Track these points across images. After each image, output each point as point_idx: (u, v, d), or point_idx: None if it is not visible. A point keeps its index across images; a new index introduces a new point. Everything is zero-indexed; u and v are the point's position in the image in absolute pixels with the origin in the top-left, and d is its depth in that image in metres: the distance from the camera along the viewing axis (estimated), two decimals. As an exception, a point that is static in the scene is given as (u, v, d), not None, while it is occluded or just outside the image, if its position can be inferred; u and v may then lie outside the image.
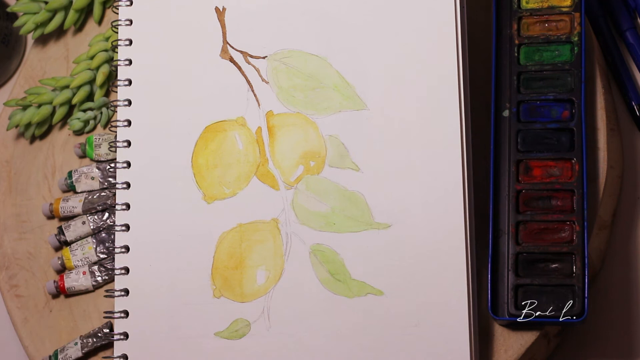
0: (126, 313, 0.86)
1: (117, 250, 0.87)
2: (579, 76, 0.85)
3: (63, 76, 0.96)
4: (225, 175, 0.86)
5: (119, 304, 0.86)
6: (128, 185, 0.88)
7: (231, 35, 0.88)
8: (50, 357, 0.88)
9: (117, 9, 0.91)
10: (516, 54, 0.86)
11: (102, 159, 0.92)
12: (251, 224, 0.85)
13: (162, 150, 0.88)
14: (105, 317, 0.87)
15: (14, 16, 1.01)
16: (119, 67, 0.90)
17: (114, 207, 0.88)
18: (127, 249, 0.87)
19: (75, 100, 0.94)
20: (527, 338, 0.83)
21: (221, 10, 0.88)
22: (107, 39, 0.94)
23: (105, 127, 0.94)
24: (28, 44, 1.04)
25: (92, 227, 0.91)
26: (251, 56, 0.87)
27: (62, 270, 0.91)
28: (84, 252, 0.90)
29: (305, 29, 0.86)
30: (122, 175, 0.88)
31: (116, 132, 0.89)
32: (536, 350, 0.84)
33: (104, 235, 0.90)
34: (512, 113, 0.85)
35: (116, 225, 0.87)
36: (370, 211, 0.83)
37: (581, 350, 0.87)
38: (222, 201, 0.86)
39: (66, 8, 0.97)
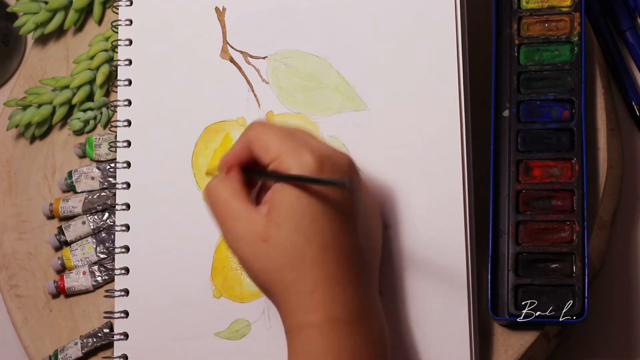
0: (126, 313, 0.86)
1: (117, 250, 0.87)
2: (579, 76, 0.85)
3: (63, 76, 0.96)
4: (225, 176, 0.86)
5: (119, 304, 0.86)
6: (128, 185, 0.88)
7: (231, 35, 0.88)
8: (50, 357, 0.88)
9: (117, 9, 0.91)
10: (516, 54, 0.86)
11: (102, 159, 0.92)
12: (251, 224, 0.85)
13: (162, 150, 0.88)
14: (105, 317, 0.87)
15: (14, 16, 1.01)
16: (119, 67, 0.90)
17: (114, 207, 0.88)
18: (127, 249, 0.87)
19: (75, 100, 0.94)
20: (527, 338, 0.83)
21: (221, 10, 0.88)
22: (107, 39, 0.94)
23: (105, 127, 0.94)
24: (28, 44, 1.04)
25: (92, 227, 0.91)
26: (251, 56, 0.87)
27: (62, 270, 0.91)
28: (84, 252, 0.90)
29: (305, 29, 0.86)
30: (122, 175, 0.88)
31: (116, 132, 0.89)
32: (536, 350, 0.84)
33: (104, 235, 0.90)
34: (512, 113, 0.85)
35: (116, 225, 0.87)
36: (370, 211, 0.83)
37: (581, 350, 0.87)
38: (222, 201, 0.86)
39: (66, 8, 0.97)
